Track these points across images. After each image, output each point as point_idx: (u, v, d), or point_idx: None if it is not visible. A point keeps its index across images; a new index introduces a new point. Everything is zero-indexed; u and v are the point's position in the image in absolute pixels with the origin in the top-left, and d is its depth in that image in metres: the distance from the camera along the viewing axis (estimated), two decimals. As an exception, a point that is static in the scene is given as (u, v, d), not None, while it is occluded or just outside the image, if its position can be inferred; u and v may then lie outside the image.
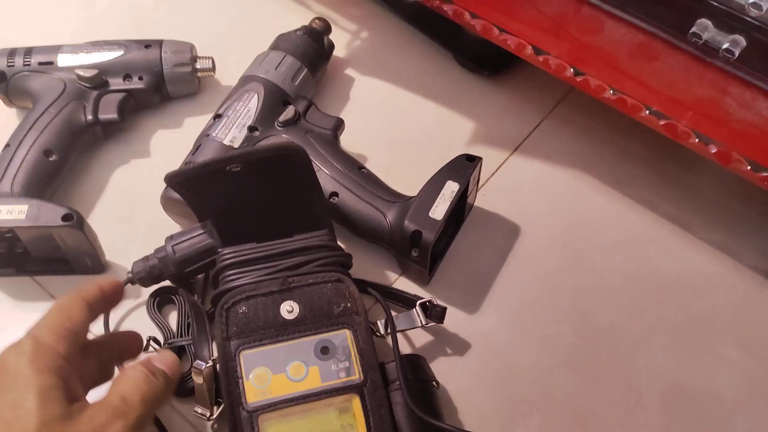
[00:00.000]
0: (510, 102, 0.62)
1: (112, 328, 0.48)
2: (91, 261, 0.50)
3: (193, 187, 0.44)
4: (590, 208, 0.57)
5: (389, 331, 0.45)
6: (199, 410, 0.43)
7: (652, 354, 0.49)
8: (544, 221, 0.56)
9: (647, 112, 0.48)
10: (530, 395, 0.47)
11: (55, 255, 0.50)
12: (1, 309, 0.50)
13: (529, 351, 0.49)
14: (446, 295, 0.51)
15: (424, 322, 0.46)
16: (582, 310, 0.51)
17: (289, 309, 0.42)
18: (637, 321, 0.51)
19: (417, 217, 0.48)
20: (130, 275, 0.46)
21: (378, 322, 0.46)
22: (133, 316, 0.50)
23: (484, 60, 0.62)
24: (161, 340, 0.47)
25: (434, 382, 0.44)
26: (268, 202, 0.45)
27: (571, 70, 0.50)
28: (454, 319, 0.50)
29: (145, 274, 0.46)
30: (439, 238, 0.49)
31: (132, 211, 0.54)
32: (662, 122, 0.48)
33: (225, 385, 0.40)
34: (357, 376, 0.41)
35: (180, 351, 0.47)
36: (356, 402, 0.40)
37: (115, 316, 0.49)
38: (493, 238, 0.54)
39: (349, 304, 0.43)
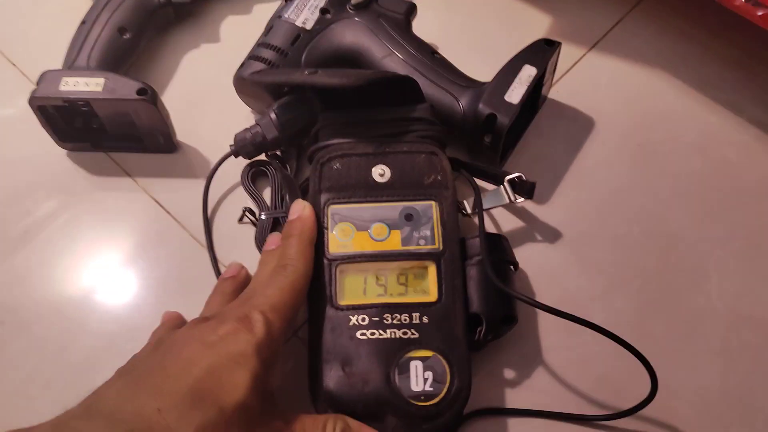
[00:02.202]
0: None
1: (214, 203, 0.51)
2: (163, 139, 0.52)
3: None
4: (670, 109, 0.56)
5: (476, 210, 0.46)
6: None
7: (724, 264, 0.49)
8: (620, 119, 0.55)
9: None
10: (594, 292, 0.48)
11: (130, 132, 0.52)
12: (79, 183, 0.52)
13: (598, 248, 0.49)
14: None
15: (512, 198, 0.47)
16: (654, 212, 0.51)
17: (380, 172, 0.44)
18: (710, 226, 0.50)
19: (492, 100, 0.48)
20: (233, 146, 0.48)
21: (465, 201, 0.47)
22: (230, 191, 0.52)
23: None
24: (256, 211, 0.50)
25: (512, 264, 0.45)
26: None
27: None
28: (523, 207, 0.51)
29: (248, 143, 0.48)
30: (512, 126, 0.48)
31: (201, 94, 0.56)
32: (759, 12, 0.46)
33: None
34: (437, 245, 0.42)
35: (275, 222, 0.49)
36: (431, 269, 0.41)
37: (216, 195, 0.51)
38: (566, 132, 0.54)
39: (439, 177, 0.44)
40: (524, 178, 0.47)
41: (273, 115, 0.48)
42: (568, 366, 0.45)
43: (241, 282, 0.43)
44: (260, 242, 0.48)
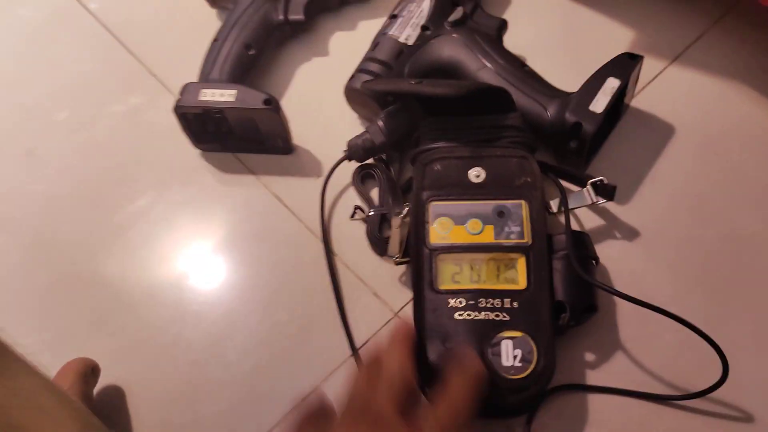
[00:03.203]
0: (673, 11, 0.64)
1: (328, 201, 0.58)
2: (282, 142, 0.60)
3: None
4: (747, 121, 0.59)
5: (561, 210, 0.52)
6: (390, 252, 0.52)
7: None
8: (698, 128, 0.59)
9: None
10: (670, 288, 0.52)
11: (254, 136, 0.60)
12: (210, 179, 0.61)
13: (674, 248, 0.54)
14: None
15: (594, 199, 0.52)
16: (729, 216, 0.55)
17: (476, 174, 0.50)
18: None
19: (578, 109, 0.53)
20: (347, 151, 0.56)
21: (551, 201, 0.53)
22: (343, 192, 0.59)
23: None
24: (365, 209, 0.57)
25: (594, 259, 0.50)
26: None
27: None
28: (604, 208, 0.56)
29: (359, 148, 0.55)
30: (597, 133, 0.54)
31: (314, 102, 0.63)
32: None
33: (414, 226, 0.49)
34: (526, 239, 0.48)
35: (382, 218, 0.56)
36: (521, 261, 0.47)
37: (329, 194, 0.58)
38: (647, 139, 0.59)
39: (529, 179, 0.50)
40: (606, 181, 0.52)
41: (381, 123, 0.55)
42: (643, 351, 0.50)
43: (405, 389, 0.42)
44: (371, 236, 0.55)
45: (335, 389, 0.43)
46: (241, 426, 0.51)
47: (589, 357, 0.50)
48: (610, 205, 0.56)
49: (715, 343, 0.44)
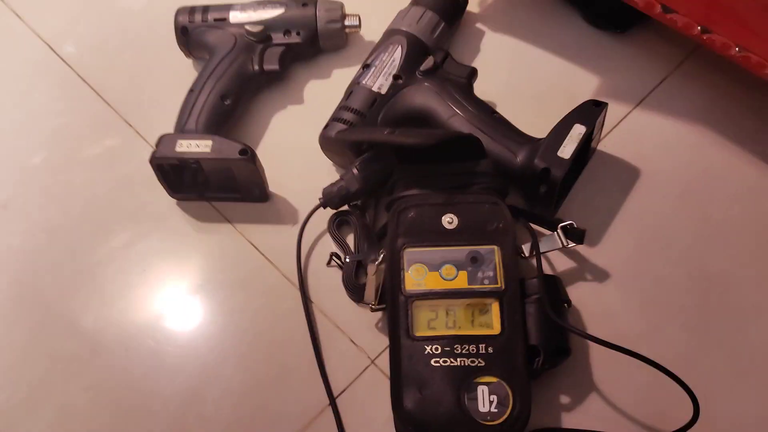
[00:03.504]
0: (635, 58, 0.67)
1: (304, 248, 0.59)
2: (258, 191, 0.61)
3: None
4: (711, 162, 0.62)
5: (533, 254, 0.53)
6: (366, 299, 0.53)
7: (762, 303, 0.54)
8: (663, 171, 0.61)
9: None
10: (641, 328, 0.54)
11: (230, 185, 0.61)
12: (186, 227, 0.62)
13: (644, 288, 0.56)
14: (570, 229, 0.58)
15: (565, 243, 0.53)
16: (697, 255, 0.57)
17: (449, 220, 0.52)
18: (749, 269, 0.56)
19: (546, 155, 0.55)
20: (322, 199, 0.57)
21: (523, 246, 0.54)
22: (319, 239, 0.60)
23: (611, 17, 0.68)
24: (341, 255, 0.58)
25: (566, 302, 0.52)
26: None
27: (699, 28, 0.55)
28: (576, 251, 0.57)
29: (334, 196, 0.56)
30: (565, 177, 0.55)
31: (289, 150, 0.64)
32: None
33: (389, 273, 0.50)
34: (499, 284, 0.49)
35: (358, 265, 0.56)
36: (495, 306, 0.49)
37: (305, 241, 0.59)
38: (614, 182, 0.61)
39: (501, 225, 0.51)
40: (575, 225, 0.54)
41: (355, 170, 0.56)
42: (616, 393, 0.51)
43: None
44: (347, 283, 0.56)
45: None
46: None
47: (564, 399, 0.51)
48: (581, 248, 0.57)
49: (684, 384, 0.45)
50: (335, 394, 0.53)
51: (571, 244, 0.53)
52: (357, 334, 0.56)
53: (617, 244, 0.58)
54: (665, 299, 0.55)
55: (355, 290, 0.56)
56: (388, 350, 0.50)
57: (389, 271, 0.51)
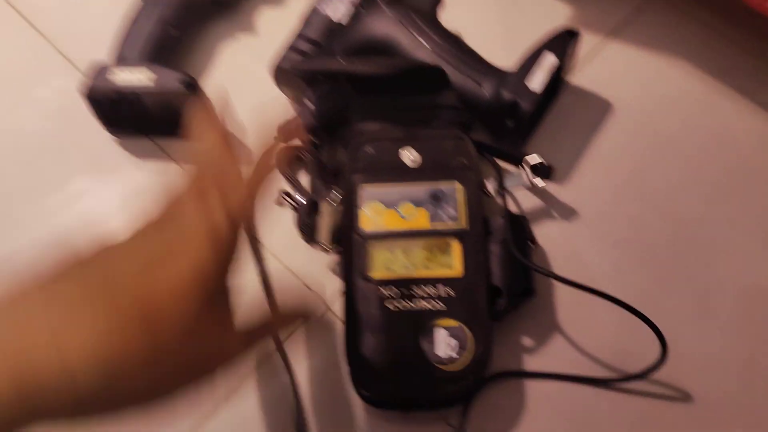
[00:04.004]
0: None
1: None
2: (205, 126, 0.57)
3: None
4: (686, 95, 0.59)
5: (498, 192, 0.51)
6: (320, 240, 0.50)
7: (733, 243, 0.52)
8: (637, 104, 0.58)
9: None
10: (608, 267, 0.52)
11: (174, 120, 0.56)
12: (126, 167, 0.57)
13: (612, 227, 0.53)
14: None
15: (531, 179, 0.51)
16: (667, 193, 0.55)
17: (410, 156, 0.49)
18: (721, 208, 0.54)
19: (515, 87, 0.52)
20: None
21: (487, 183, 0.51)
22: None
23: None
24: (293, 195, 0.54)
25: (532, 242, 0.49)
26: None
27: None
28: (543, 189, 0.54)
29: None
30: (534, 110, 0.52)
31: (239, 83, 0.60)
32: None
33: (345, 213, 0.47)
34: (462, 224, 0.46)
35: (312, 204, 0.52)
36: (456, 246, 0.46)
37: None
38: (585, 117, 0.58)
39: (465, 161, 0.48)
40: (543, 161, 0.51)
41: (310, 104, 0.53)
42: (582, 335, 0.49)
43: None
44: (301, 224, 0.52)
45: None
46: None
47: (527, 342, 0.49)
48: (549, 185, 0.54)
49: (653, 323, 0.43)
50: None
51: (538, 181, 0.51)
52: (312, 278, 0.52)
53: (587, 181, 0.55)
54: (634, 238, 0.53)
55: (309, 232, 0.52)
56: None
57: (344, 209, 0.48)
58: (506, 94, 0.52)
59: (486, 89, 0.53)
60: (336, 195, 0.49)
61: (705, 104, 0.58)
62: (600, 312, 0.48)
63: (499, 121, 0.53)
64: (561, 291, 0.50)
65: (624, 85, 0.59)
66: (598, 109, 0.58)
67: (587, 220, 0.53)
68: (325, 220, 0.49)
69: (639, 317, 0.43)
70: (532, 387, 0.47)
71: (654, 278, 0.51)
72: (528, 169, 0.51)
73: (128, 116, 0.56)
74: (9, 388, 0.27)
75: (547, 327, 0.49)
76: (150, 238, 0.32)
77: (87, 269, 0.31)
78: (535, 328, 0.49)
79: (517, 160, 0.52)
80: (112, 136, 0.58)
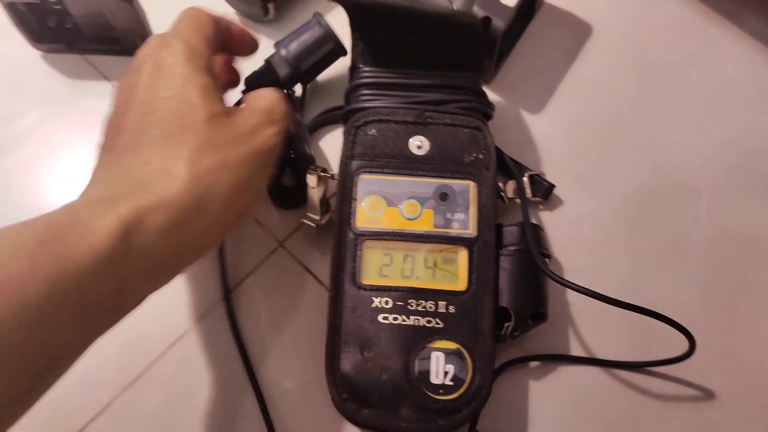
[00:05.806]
0: None
1: None
2: (140, 40, 0.45)
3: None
4: (669, 19, 0.54)
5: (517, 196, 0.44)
6: (311, 214, 0.44)
7: (715, 180, 0.49)
8: (618, 28, 0.54)
9: None
10: (583, 206, 0.48)
11: (106, 34, 0.47)
12: (54, 85, 0.48)
13: (588, 161, 0.49)
14: (510, 93, 0.51)
15: (530, 194, 0.46)
16: (648, 125, 0.50)
17: (418, 144, 0.41)
18: (704, 142, 0.50)
19: (487, 2, 0.45)
20: (244, 90, 0.44)
21: (502, 184, 0.45)
22: None
23: None
24: None
25: (546, 256, 0.44)
26: (424, 36, 0.41)
27: None
28: (516, 117, 0.50)
29: (254, 82, 0.44)
30: (508, 30, 0.46)
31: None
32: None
33: (339, 203, 0.41)
34: (471, 230, 0.40)
35: (285, 165, 0.45)
36: (462, 255, 0.40)
37: None
38: (562, 40, 0.53)
39: (481, 156, 0.41)
40: (543, 176, 0.46)
41: (283, 51, 0.43)
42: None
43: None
44: (272, 187, 0.45)
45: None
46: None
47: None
48: (522, 112, 0.50)
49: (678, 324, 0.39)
50: (242, 278, 0.45)
51: (536, 199, 0.46)
52: (263, 213, 0.47)
53: (563, 111, 0.51)
54: (611, 173, 0.49)
55: (282, 197, 0.45)
56: (297, 233, 0.43)
57: (339, 200, 0.41)
58: (478, 10, 0.45)
59: (456, 4, 0.46)
60: (322, 170, 0.42)
61: (689, 29, 0.54)
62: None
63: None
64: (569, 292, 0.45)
65: (605, 5, 0.54)
66: (576, 31, 0.53)
67: (561, 153, 0.49)
68: (313, 193, 0.43)
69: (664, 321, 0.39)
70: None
71: (630, 217, 0.48)
72: (527, 182, 0.46)
73: (55, 29, 0.47)
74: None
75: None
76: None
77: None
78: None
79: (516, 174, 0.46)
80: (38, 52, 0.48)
